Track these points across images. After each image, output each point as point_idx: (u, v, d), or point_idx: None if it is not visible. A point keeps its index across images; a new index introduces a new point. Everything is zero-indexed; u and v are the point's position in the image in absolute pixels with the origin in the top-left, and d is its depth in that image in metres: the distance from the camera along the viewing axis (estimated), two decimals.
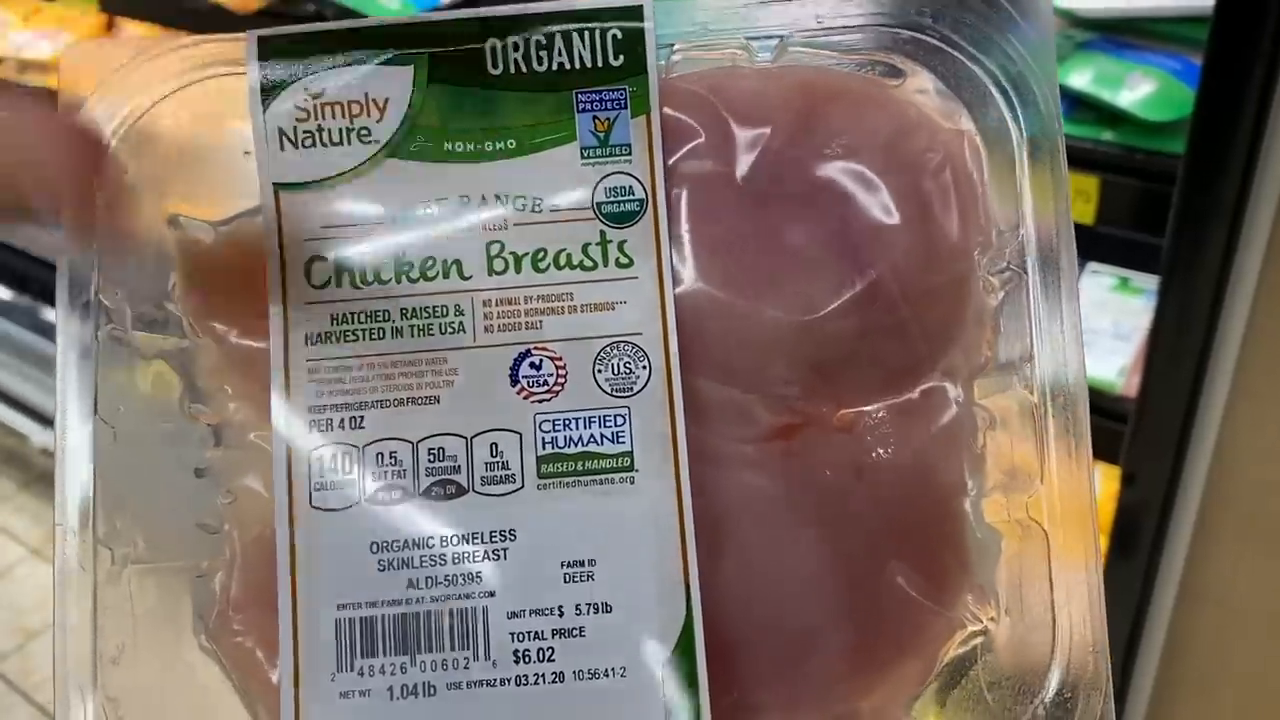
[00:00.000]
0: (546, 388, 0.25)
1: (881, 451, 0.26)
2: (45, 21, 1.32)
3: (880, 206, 0.26)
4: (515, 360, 0.25)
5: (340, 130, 0.26)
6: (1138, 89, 0.83)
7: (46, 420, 1.56)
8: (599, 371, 0.25)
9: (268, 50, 0.26)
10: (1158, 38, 0.87)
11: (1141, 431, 0.78)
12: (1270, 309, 0.71)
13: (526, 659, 0.24)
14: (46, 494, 1.60)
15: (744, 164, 0.27)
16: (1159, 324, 0.74)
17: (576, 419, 0.25)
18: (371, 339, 0.26)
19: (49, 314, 1.48)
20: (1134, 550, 0.81)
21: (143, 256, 0.27)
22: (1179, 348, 0.74)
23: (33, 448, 1.64)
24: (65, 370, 0.26)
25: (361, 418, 0.25)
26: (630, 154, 0.26)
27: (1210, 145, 0.67)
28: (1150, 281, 0.71)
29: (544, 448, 0.25)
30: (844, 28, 0.26)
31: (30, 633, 1.42)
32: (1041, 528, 0.25)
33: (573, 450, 0.25)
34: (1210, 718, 0.86)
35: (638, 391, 0.25)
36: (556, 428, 0.25)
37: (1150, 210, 0.76)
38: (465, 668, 0.24)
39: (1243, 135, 0.65)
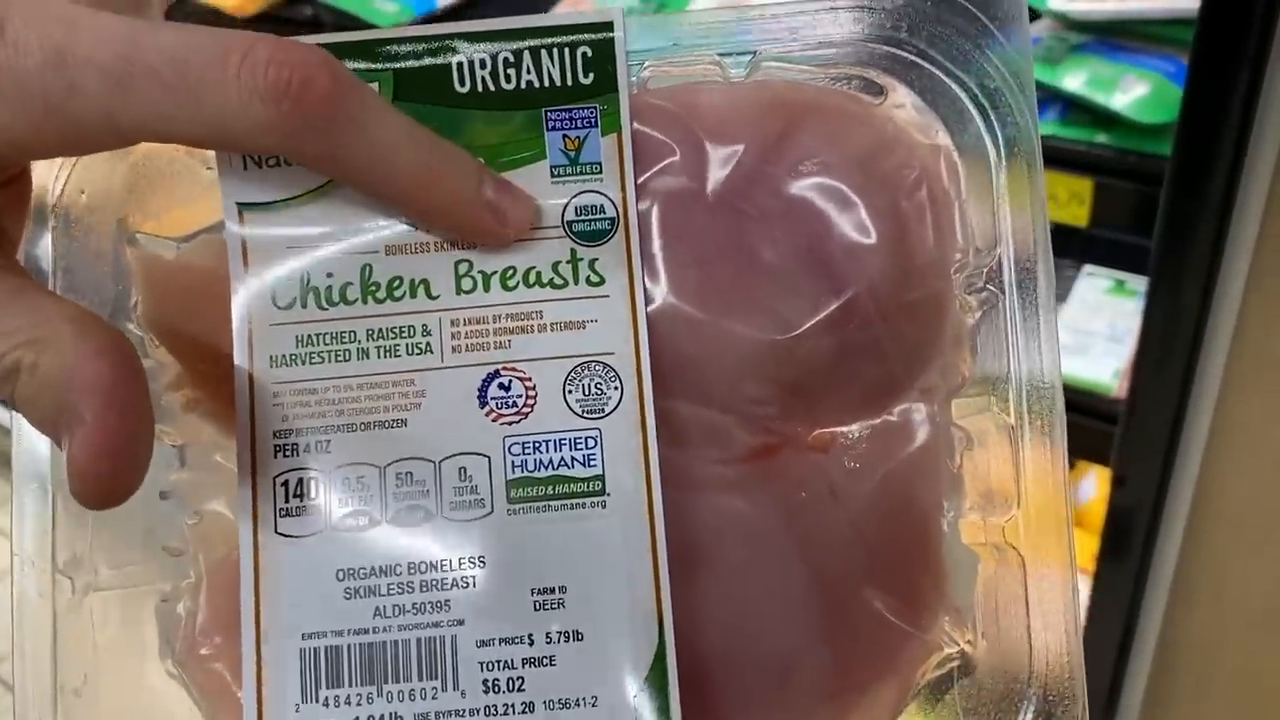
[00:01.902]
0: (516, 409, 0.25)
1: (858, 472, 0.26)
2: None
3: (856, 224, 0.26)
4: (484, 381, 0.25)
5: None
6: (1131, 91, 0.83)
7: None
8: (569, 392, 0.25)
9: None
10: (1151, 40, 0.87)
11: (1132, 433, 0.78)
12: (1258, 309, 0.71)
13: (496, 689, 0.24)
14: None
15: (717, 181, 0.26)
16: (1148, 326, 0.74)
17: (547, 441, 0.25)
18: (337, 360, 0.25)
19: None
20: (1126, 551, 0.81)
21: (102, 276, 0.27)
22: (1168, 349, 0.74)
23: None
24: None
25: (328, 442, 0.25)
26: (601, 172, 0.26)
27: (1197, 148, 0.66)
28: (1146, 284, 0.71)
29: (514, 471, 0.25)
30: (819, 43, 0.26)
31: None
32: (1018, 552, 0.24)
33: (543, 474, 0.25)
34: (1204, 717, 0.86)
35: (609, 413, 0.25)
36: (526, 450, 0.25)
37: (1144, 212, 0.76)
38: (434, 698, 0.24)
39: (1228, 138, 0.65)
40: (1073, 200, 0.81)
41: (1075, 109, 0.85)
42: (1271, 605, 0.78)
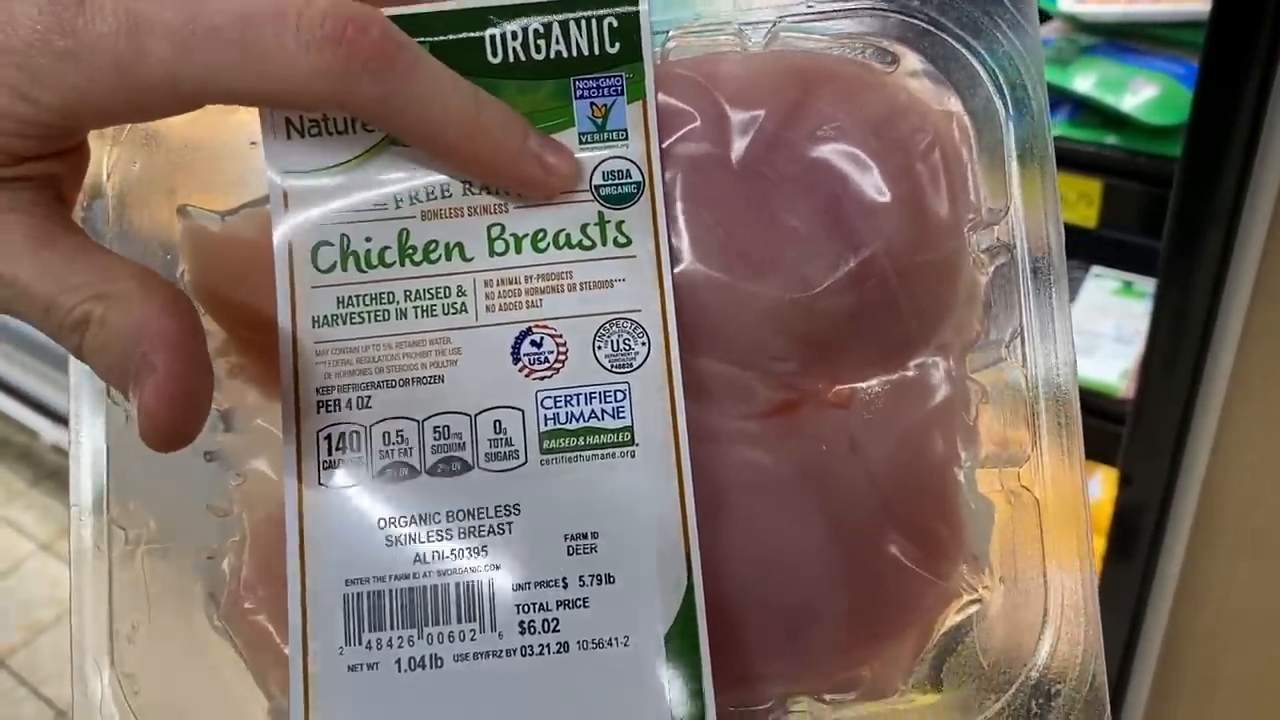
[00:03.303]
0: (548, 365, 0.26)
1: (876, 426, 0.27)
2: None
3: (872, 186, 0.27)
4: (517, 338, 0.26)
5: (344, 119, 0.26)
6: (1141, 93, 0.84)
7: (57, 417, 1.57)
8: (599, 348, 0.26)
9: None
10: (1161, 42, 0.88)
11: (1139, 433, 0.78)
12: (1267, 312, 0.72)
13: (532, 630, 0.25)
14: (56, 490, 1.61)
15: (738, 147, 0.27)
16: (1156, 327, 0.75)
17: (578, 395, 0.26)
18: (377, 320, 0.26)
19: None
20: (1132, 552, 0.81)
21: (151, 247, 0.28)
22: (1176, 351, 0.74)
23: (43, 444, 1.64)
24: None
25: (369, 398, 0.26)
26: (627, 138, 0.27)
27: (1206, 150, 0.67)
28: (1154, 285, 0.72)
29: (546, 424, 0.26)
30: (834, 12, 0.27)
31: (39, 627, 1.42)
32: (1033, 495, 0.25)
33: (574, 426, 0.26)
34: (1209, 717, 0.86)
35: (637, 367, 0.26)
36: (558, 404, 0.26)
37: (1153, 214, 0.76)
38: (472, 639, 0.25)
39: (1238, 140, 0.66)
40: (1081, 201, 0.82)
41: (1085, 110, 0.86)
42: (1277, 605, 0.78)
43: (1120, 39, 0.89)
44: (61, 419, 1.55)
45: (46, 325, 0.22)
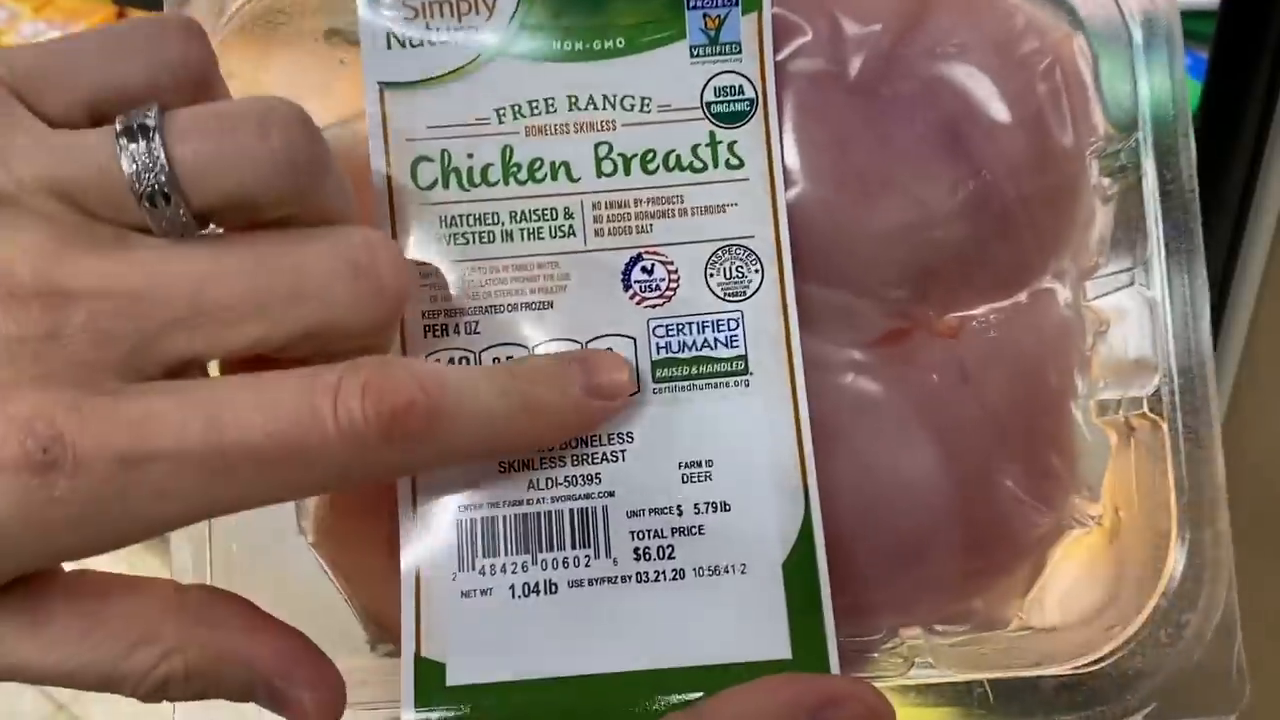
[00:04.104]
0: (659, 292, 0.25)
1: (989, 355, 0.26)
2: (57, 13, 1.29)
3: (992, 108, 0.26)
4: (627, 265, 0.25)
5: (448, 29, 0.25)
6: None
7: None
8: (711, 275, 0.25)
9: None
10: None
11: None
12: (1276, 304, 0.71)
13: (647, 556, 0.24)
14: None
15: (854, 63, 0.26)
16: None
17: (690, 323, 0.25)
18: (482, 242, 0.25)
19: None
20: None
21: None
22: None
23: None
24: None
25: (477, 323, 0.25)
26: (740, 52, 0.26)
27: (1215, 142, 0.66)
28: None
29: (658, 352, 0.25)
30: None
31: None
32: (1158, 423, 0.25)
33: (687, 355, 0.25)
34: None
35: (750, 295, 0.25)
36: (670, 332, 0.25)
37: None
38: (586, 565, 0.24)
39: (1248, 131, 0.64)
40: None
41: None
42: None
43: None
44: None
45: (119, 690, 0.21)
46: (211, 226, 0.21)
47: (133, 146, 0.20)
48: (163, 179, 0.20)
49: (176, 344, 0.20)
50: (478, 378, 0.22)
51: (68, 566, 0.21)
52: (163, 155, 0.20)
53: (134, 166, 0.20)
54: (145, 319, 0.20)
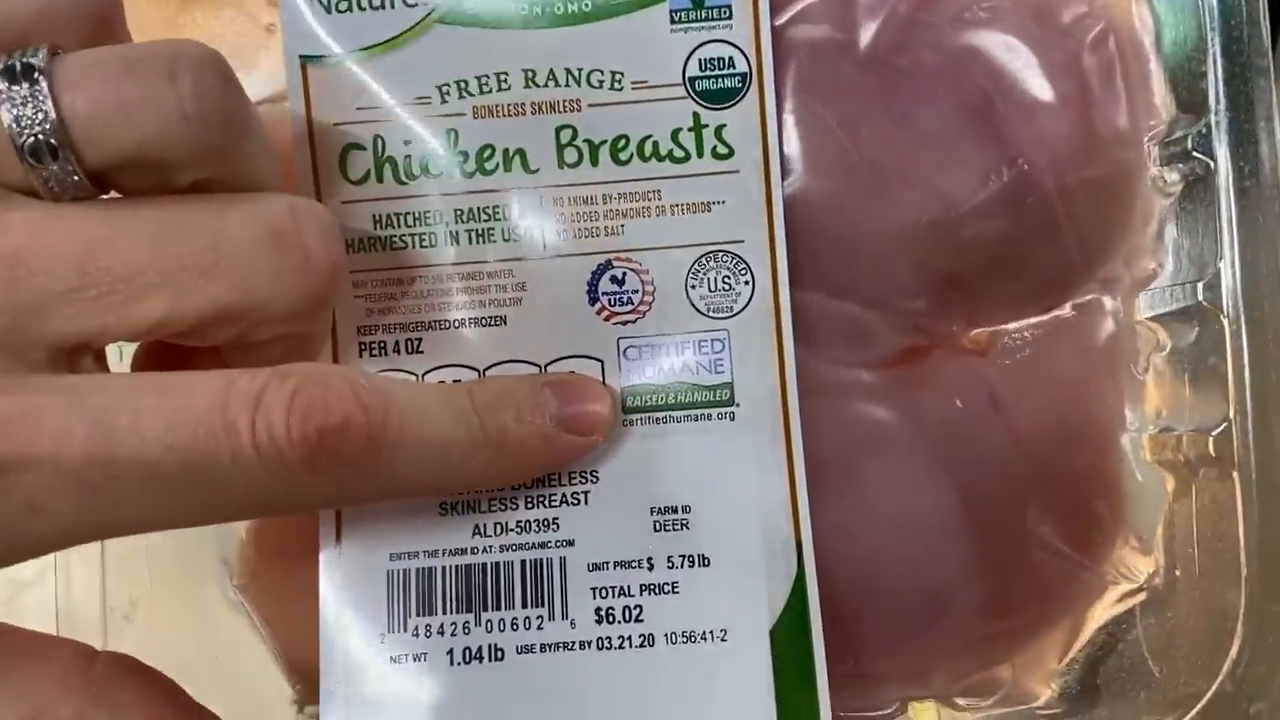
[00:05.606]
0: (631, 306, 0.21)
1: (1023, 378, 0.23)
2: None
3: (1031, 83, 0.22)
4: (594, 273, 0.22)
5: None
6: None
7: None
8: (692, 287, 0.21)
9: None
10: None
11: None
12: None
13: (610, 619, 0.21)
14: None
15: (867, 30, 0.22)
16: None
17: (667, 344, 0.21)
18: (423, 245, 0.22)
19: None
20: None
21: None
22: None
23: None
24: None
25: (419, 340, 0.21)
26: (730, 17, 0.22)
27: None
28: None
29: (629, 378, 0.21)
30: None
31: (21, 584, 1.41)
32: (1229, 463, 0.21)
33: (663, 381, 0.21)
34: None
35: (738, 311, 0.21)
36: (643, 354, 0.21)
37: None
38: (539, 628, 0.21)
39: None
40: None
41: None
42: None
43: None
44: None
45: None
46: (113, 193, 0.18)
47: (14, 90, 0.17)
48: (49, 129, 0.17)
49: (60, 322, 0.17)
50: (431, 398, 0.19)
51: None
52: (49, 103, 0.17)
53: (14, 114, 0.17)
54: (21, 289, 0.17)
